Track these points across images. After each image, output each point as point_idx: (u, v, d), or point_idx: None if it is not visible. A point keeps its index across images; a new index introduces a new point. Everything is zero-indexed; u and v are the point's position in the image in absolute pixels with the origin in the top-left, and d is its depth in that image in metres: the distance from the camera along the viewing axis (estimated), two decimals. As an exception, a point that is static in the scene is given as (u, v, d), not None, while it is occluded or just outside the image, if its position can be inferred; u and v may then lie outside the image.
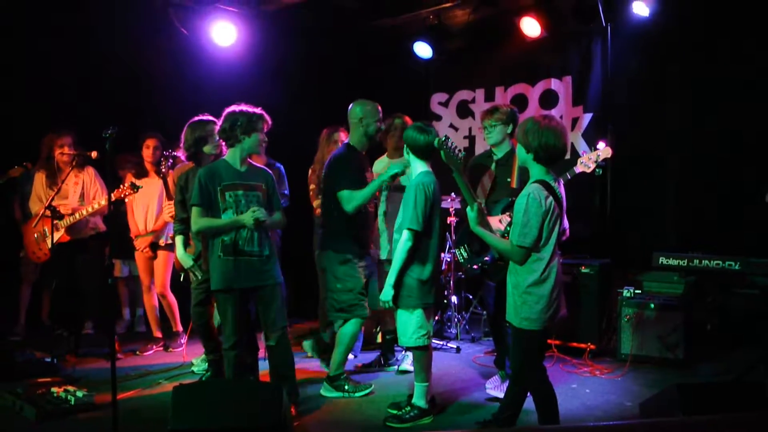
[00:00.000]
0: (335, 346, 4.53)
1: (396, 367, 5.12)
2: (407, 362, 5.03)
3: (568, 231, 3.42)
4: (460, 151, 3.55)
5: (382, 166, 5.13)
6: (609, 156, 4.28)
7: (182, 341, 5.62)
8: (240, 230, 3.89)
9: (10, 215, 6.11)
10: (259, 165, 4.17)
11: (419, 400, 4.03)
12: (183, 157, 4.67)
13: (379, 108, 4.51)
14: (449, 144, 3.52)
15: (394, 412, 4.04)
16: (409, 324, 3.97)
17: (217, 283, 3.94)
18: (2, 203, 6.04)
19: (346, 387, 4.47)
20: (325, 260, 4.57)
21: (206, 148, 4.35)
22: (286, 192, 5.33)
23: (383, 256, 4.83)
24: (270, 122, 4.03)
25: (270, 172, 4.13)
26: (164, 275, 5.55)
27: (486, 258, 4.26)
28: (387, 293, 3.94)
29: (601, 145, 4.31)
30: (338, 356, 4.49)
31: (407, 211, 3.86)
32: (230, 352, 3.96)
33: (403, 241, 3.86)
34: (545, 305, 3.22)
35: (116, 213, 5.67)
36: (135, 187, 4.91)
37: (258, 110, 3.99)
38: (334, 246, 4.45)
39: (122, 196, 4.96)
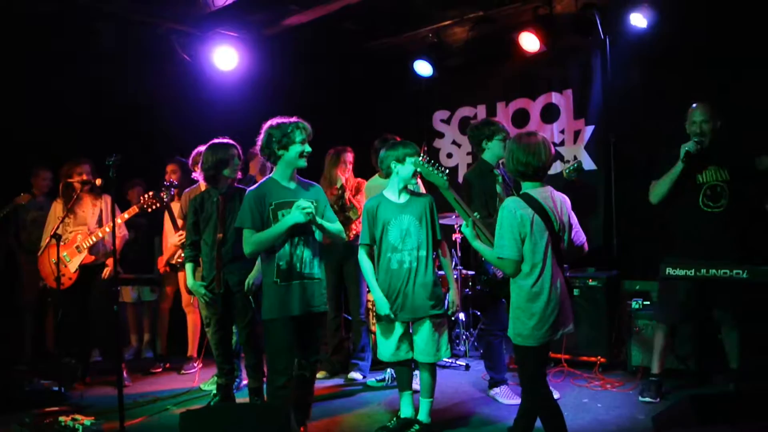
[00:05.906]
0: None
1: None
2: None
3: (586, 245, 3.40)
4: (443, 168, 3.54)
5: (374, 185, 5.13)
6: None
7: (195, 365, 5.71)
8: (296, 252, 3.63)
9: (8, 244, 6.12)
10: (307, 180, 3.93)
11: (429, 417, 3.99)
12: (200, 179, 4.61)
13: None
14: (429, 162, 3.52)
15: None
16: (445, 336, 4.03)
17: (271, 312, 3.62)
18: (3, 232, 6.07)
19: None
20: None
21: (226, 171, 4.27)
22: None
23: None
24: (310, 129, 3.73)
25: (319, 186, 3.94)
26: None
27: (498, 274, 4.20)
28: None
29: None
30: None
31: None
32: (286, 390, 3.57)
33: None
34: (537, 321, 3.16)
35: (135, 238, 5.73)
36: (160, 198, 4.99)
37: (293, 119, 3.72)
38: None
39: (147, 206, 4.97)
